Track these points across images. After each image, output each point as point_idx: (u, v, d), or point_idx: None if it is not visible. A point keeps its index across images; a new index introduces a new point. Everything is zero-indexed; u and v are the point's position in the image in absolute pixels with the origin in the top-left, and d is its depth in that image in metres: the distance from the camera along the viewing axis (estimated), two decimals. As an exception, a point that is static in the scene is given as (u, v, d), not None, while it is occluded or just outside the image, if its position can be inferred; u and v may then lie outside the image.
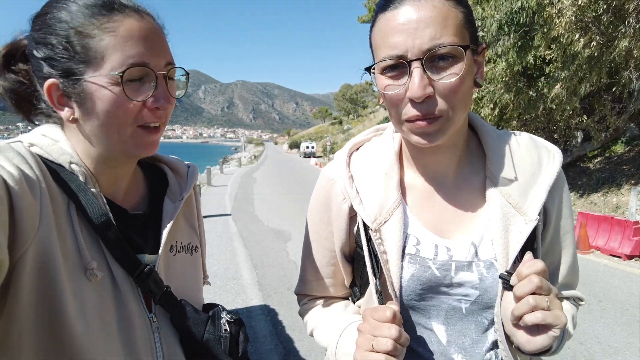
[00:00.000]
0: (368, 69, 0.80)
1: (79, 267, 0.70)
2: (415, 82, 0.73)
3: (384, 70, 0.78)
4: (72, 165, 0.75)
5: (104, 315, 0.72)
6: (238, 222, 9.62)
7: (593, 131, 10.43)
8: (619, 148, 11.52)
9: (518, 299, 0.73)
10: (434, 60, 0.74)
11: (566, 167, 11.19)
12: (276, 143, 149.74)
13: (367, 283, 0.91)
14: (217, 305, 0.96)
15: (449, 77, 0.74)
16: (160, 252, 0.84)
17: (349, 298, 1.08)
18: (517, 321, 0.74)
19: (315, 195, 1.00)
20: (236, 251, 7.07)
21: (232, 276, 5.74)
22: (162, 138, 0.83)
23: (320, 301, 1.07)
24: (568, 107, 9.33)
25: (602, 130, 10.54)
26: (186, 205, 0.97)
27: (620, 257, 6.48)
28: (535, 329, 0.74)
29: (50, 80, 0.73)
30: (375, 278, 0.86)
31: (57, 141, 0.77)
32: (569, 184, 9.58)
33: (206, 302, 0.98)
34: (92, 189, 0.76)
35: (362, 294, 0.98)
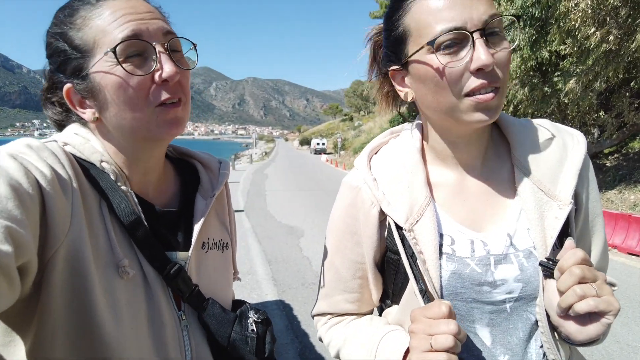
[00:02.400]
0: (431, 42, 0.74)
1: (111, 265, 0.70)
2: (482, 50, 0.71)
3: (438, 48, 0.74)
4: (103, 164, 0.76)
5: (135, 312, 0.73)
6: (251, 218, 9.69)
7: (610, 127, 10.24)
8: (637, 144, 11.28)
9: (561, 293, 0.71)
10: (487, 34, 0.73)
11: (582, 163, 10.98)
12: (287, 140, 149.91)
13: (401, 289, 0.89)
14: (244, 302, 0.95)
15: (504, 49, 0.75)
16: (191, 249, 0.83)
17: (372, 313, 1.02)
18: (565, 312, 0.71)
19: (339, 206, 0.97)
20: (250, 247, 7.14)
21: (247, 271, 5.81)
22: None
23: (344, 318, 1.01)
24: (583, 103, 9.17)
25: (619, 127, 10.34)
26: (218, 201, 0.96)
27: (638, 256, 6.36)
28: (587, 318, 0.71)
29: (66, 86, 0.75)
30: (416, 279, 0.83)
31: (89, 140, 0.78)
32: (585, 180, 9.38)
33: None
34: (122, 187, 0.76)
35: (394, 302, 0.94)
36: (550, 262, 0.76)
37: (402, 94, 0.89)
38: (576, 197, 0.86)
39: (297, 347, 3.70)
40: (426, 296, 0.81)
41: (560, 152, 0.87)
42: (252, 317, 0.90)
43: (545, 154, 0.87)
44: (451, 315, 0.72)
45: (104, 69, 0.71)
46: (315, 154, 51.03)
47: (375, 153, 0.97)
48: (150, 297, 0.76)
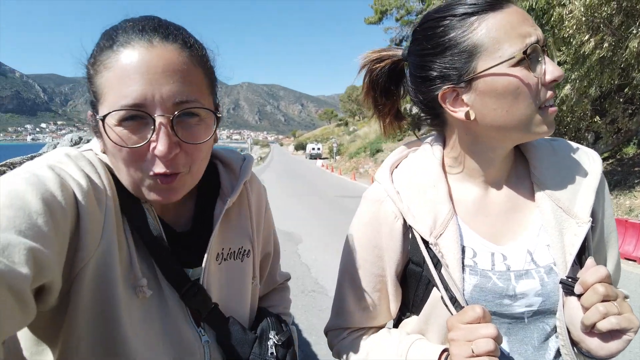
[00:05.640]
0: (525, 52, 0.76)
1: (129, 283, 0.69)
2: (553, 64, 0.78)
3: (519, 62, 0.77)
4: None
5: (150, 329, 0.72)
6: (248, 224, 9.61)
7: (604, 133, 10.36)
8: (631, 150, 11.41)
9: (586, 309, 0.74)
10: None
11: (577, 168, 11.09)
12: (282, 144, 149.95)
13: (422, 300, 0.89)
14: (268, 315, 0.92)
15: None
16: (203, 264, 0.79)
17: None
18: (588, 329, 0.74)
19: (360, 220, 0.96)
20: (248, 254, 7.09)
21: (245, 279, 5.76)
22: None
23: (362, 332, 1.00)
24: (578, 109, 9.27)
25: (613, 132, 10.45)
26: (237, 205, 0.91)
27: (635, 261, 6.43)
28: (608, 334, 0.73)
29: (88, 111, 0.74)
30: (445, 289, 0.83)
31: None
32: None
33: None
34: (144, 202, 0.75)
35: (413, 312, 0.94)
36: (571, 280, 0.79)
37: (456, 114, 0.84)
38: (593, 214, 0.88)
39: (299, 356, 3.65)
40: (457, 303, 0.83)
41: (577, 171, 0.89)
42: (273, 338, 0.88)
43: (563, 173, 0.89)
44: (487, 317, 0.74)
45: (106, 123, 0.67)
46: (310, 159, 51.13)
47: (396, 167, 0.98)
48: (165, 315, 0.74)
